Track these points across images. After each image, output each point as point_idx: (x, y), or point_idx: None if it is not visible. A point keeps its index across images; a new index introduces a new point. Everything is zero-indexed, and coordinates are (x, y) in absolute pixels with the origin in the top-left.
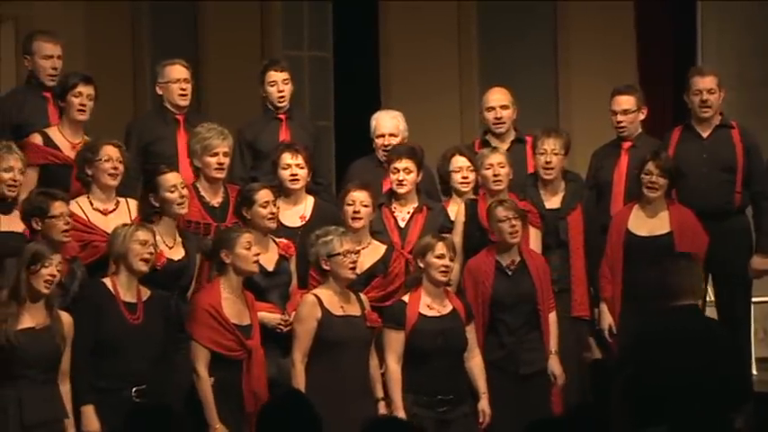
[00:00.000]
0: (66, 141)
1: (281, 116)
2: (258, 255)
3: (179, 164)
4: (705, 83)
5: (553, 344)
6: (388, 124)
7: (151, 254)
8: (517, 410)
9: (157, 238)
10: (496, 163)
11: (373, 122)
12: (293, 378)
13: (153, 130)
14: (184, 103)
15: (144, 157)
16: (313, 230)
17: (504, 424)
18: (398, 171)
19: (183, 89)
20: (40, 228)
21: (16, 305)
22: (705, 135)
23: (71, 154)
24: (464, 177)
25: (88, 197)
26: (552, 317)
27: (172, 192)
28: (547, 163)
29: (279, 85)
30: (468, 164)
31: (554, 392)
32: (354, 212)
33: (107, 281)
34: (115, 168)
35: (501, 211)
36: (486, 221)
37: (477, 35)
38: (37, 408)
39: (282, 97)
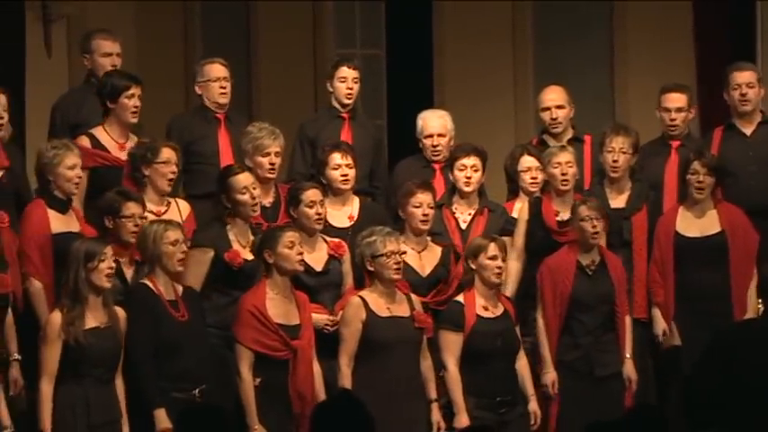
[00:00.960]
0: (113, 142)
1: (344, 115)
2: (302, 254)
3: (220, 163)
4: (743, 77)
5: (628, 347)
6: (435, 124)
7: (184, 252)
8: (590, 412)
9: (231, 237)
10: (564, 162)
11: (420, 122)
12: (339, 381)
13: (193, 129)
14: (225, 101)
15: (185, 157)
16: (361, 231)
17: (576, 425)
18: (466, 168)
19: (223, 87)
20: (111, 226)
21: (80, 306)
22: (749, 133)
23: (119, 154)
24: (533, 178)
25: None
26: (628, 319)
27: (243, 193)
28: (614, 161)
29: (349, 82)
30: (537, 164)
31: (627, 396)
32: (424, 215)
33: (148, 282)
34: (173, 172)
35: (584, 210)
36: (549, 221)
37: (532, 35)
38: (102, 407)
39: (351, 95)
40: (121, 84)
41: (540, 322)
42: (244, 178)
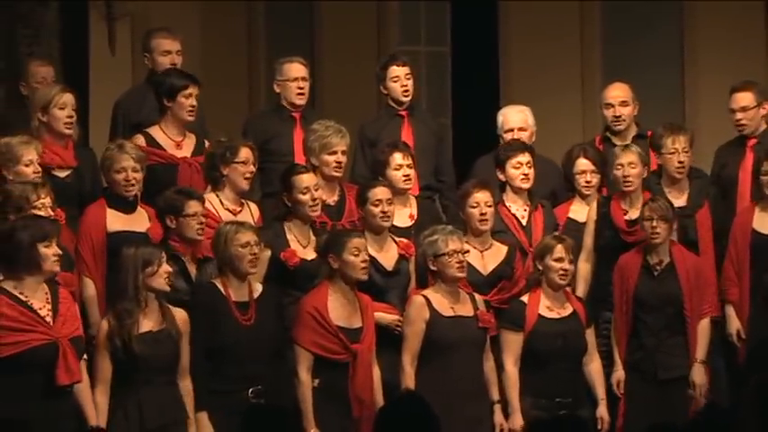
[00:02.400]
0: (169, 140)
1: (403, 113)
2: (367, 261)
3: (295, 161)
4: None
5: (700, 352)
6: (516, 119)
7: (255, 254)
8: (653, 414)
9: (290, 237)
10: (627, 163)
11: (500, 118)
12: (402, 380)
13: (269, 128)
14: (301, 101)
15: (261, 155)
16: (422, 230)
17: (640, 427)
18: (522, 165)
19: (301, 87)
20: (174, 226)
21: (136, 311)
22: None
23: (175, 152)
24: (587, 181)
25: (218, 195)
26: (704, 323)
27: (304, 194)
28: (680, 163)
29: (402, 79)
30: (593, 167)
31: (694, 402)
32: (481, 214)
33: (218, 282)
34: (251, 172)
35: (646, 210)
36: (617, 221)
37: (599, 33)
38: (157, 411)
39: (407, 92)
40: (179, 83)
41: (613, 322)
42: (307, 178)
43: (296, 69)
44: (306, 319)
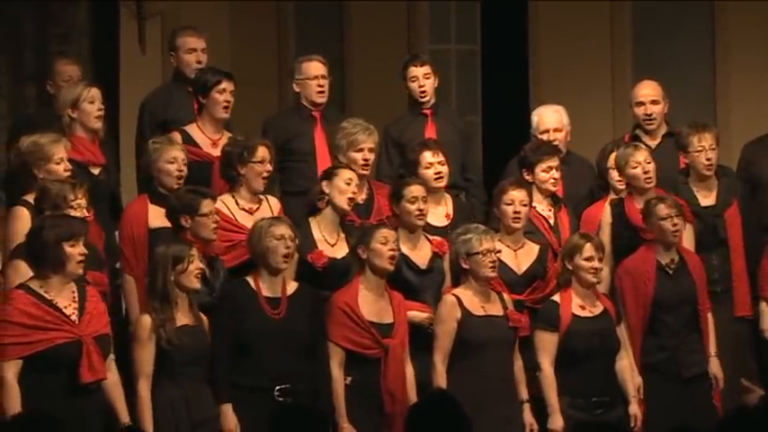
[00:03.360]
0: (206, 138)
1: (427, 112)
2: (394, 251)
3: (316, 161)
4: None
5: (712, 346)
6: (551, 119)
7: (289, 248)
8: (679, 414)
9: (317, 236)
10: (643, 160)
11: (535, 118)
12: (434, 379)
13: (290, 127)
14: (321, 99)
15: (281, 155)
16: (458, 228)
17: (666, 427)
18: (552, 169)
19: (321, 86)
20: (188, 225)
21: (170, 308)
22: None
23: (211, 150)
24: (621, 176)
25: (233, 195)
26: (710, 317)
27: (347, 184)
28: (708, 160)
29: (420, 80)
30: None
31: (715, 395)
32: (515, 212)
33: (250, 278)
34: (268, 171)
35: (663, 209)
36: (636, 220)
37: (630, 31)
38: (201, 405)
39: (424, 92)
40: (213, 78)
41: (622, 326)
42: (352, 174)
43: (315, 68)
44: (337, 314)
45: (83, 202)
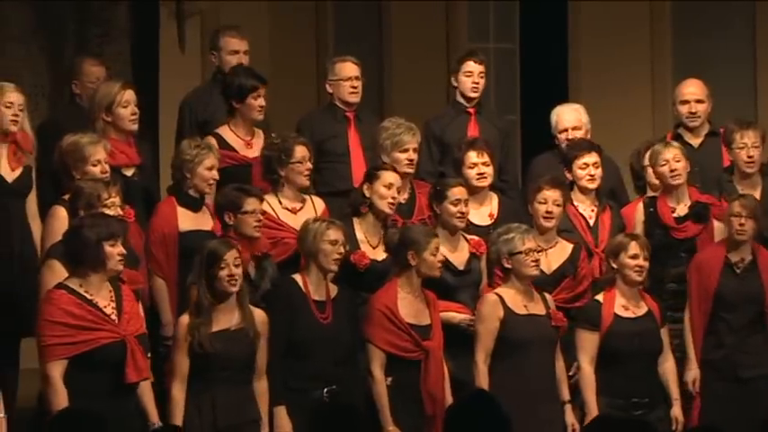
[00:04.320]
0: (239, 140)
1: (470, 110)
2: (442, 260)
3: (350, 161)
4: None
5: None
6: (570, 118)
7: (341, 253)
8: (732, 413)
9: (360, 236)
10: (672, 158)
11: (554, 117)
12: (476, 379)
13: (324, 127)
14: (355, 100)
15: (316, 156)
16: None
17: (719, 426)
18: (588, 166)
19: (354, 87)
20: (232, 223)
21: (208, 309)
22: None
23: (246, 152)
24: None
25: (276, 196)
26: None
27: (388, 188)
28: (749, 157)
29: (475, 76)
30: None
31: None
32: (547, 212)
33: (298, 278)
34: (308, 169)
35: (736, 206)
36: (667, 219)
37: (670, 30)
38: (230, 410)
39: (476, 89)
40: (248, 84)
41: (687, 319)
42: (393, 176)
43: (349, 68)
44: (377, 317)
45: (116, 200)
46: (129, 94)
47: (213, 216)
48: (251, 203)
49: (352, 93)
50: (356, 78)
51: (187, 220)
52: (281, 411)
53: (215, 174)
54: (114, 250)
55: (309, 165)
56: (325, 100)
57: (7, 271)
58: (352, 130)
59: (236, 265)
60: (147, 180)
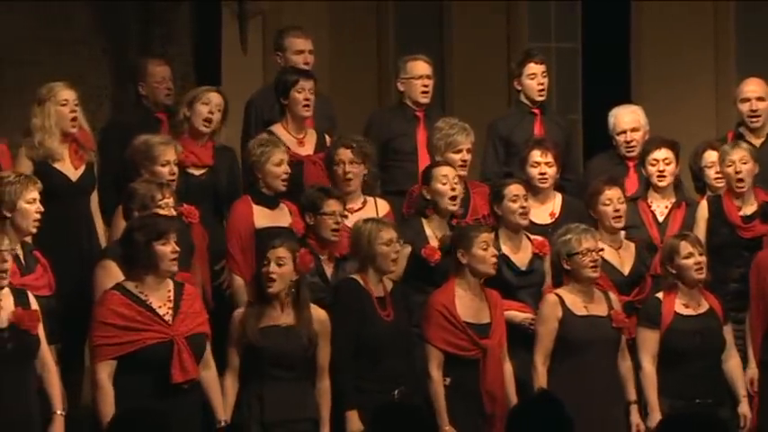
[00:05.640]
0: (291, 138)
1: (536, 111)
2: (496, 255)
3: (419, 160)
4: None
5: None
6: (627, 119)
7: (397, 251)
8: None
9: (429, 233)
10: (738, 159)
11: (612, 119)
12: (535, 379)
13: (393, 126)
14: (425, 99)
15: (384, 154)
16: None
17: None
18: (658, 162)
19: (426, 85)
20: (312, 223)
21: (262, 303)
22: None
23: (298, 150)
24: (717, 173)
25: None
26: None
27: (444, 184)
28: None
29: (538, 77)
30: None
31: None
32: (615, 212)
33: (358, 278)
34: (348, 172)
35: None
36: (733, 218)
37: (734, 29)
38: (280, 406)
39: (543, 90)
40: (291, 78)
41: (748, 318)
42: (446, 169)
43: (421, 67)
44: (434, 316)
45: (170, 201)
46: (213, 96)
47: (291, 212)
48: (331, 205)
49: (423, 91)
50: (427, 77)
51: (263, 218)
52: (353, 416)
53: (285, 168)
54: (166, 249)
55: (350, 169)
56: (385, 100)
57: (75, 269)
58: (420, 129)
59: (280, 264)
60: (217, 181)
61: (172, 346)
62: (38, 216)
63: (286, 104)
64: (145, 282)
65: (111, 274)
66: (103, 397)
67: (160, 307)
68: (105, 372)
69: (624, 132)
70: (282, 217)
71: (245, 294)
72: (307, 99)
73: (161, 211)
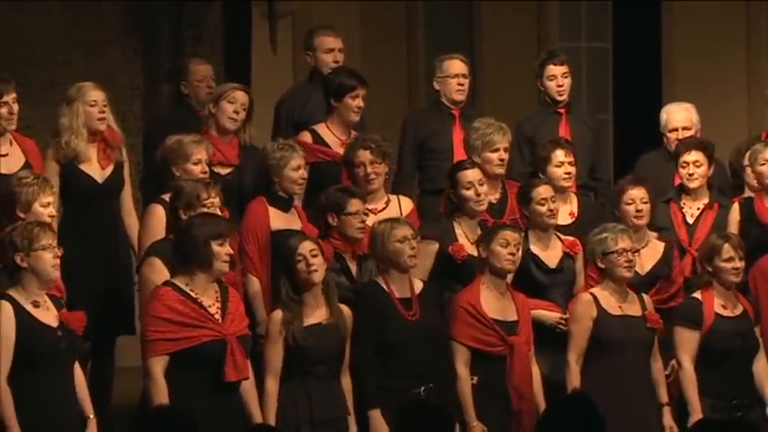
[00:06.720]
0: (335, 138)
1: (561, 110)
2: (514, 254)
3: (455, 158)
4: None
5: None
6: (680, 117)
7: (414, 248)
8: None
9: (459, 232)
10: None
11: (664, 116)
12: (568, 379)
13: (428, 125)
14: (461, 98)
15: (420, 153)
16: (582, 227)
17: None
18: (688, 165)
19: (461, 84)
20: (335, 223)
21: (298, 303)
22: None
23: (339, 150)
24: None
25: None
26: None
27: (468, 188)
28: None
29: (558, 79)
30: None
31: None
32: (637, 210)
33: (380, 280)
34: (369, 173)
35: None
36: (766, 218)
37: (766, 26)
38: (325, 404)
39: (562, 91)
40: (348, 83)
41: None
42: (471, 174)
43: (457, 66)
44: (460, 313)
45: (216, 201)
46: (240, 95)
47: (301, 217)
48: (354, 204)
49: (459, 90)
50: (463, 76)
51: (278, 220)
52: (377, 414)
53: (303, 173)
54: (222, 250)
55: (371, 170)
56: (415, 99)
57: (100, 271)
58: (456, 127)
59: (314, 256)
60: (242, 181)
61: (225, 345)
62: (49, 220)
63: (336, 106)
64: (195, 280)
65: (157, 270)
66: (159, 391)
67: (210, 306)
68: (159, 366)
69: (675, 130)
70: (295, 220)
71: (260, 295)
72: (359, 107)
73: (206, 211)
